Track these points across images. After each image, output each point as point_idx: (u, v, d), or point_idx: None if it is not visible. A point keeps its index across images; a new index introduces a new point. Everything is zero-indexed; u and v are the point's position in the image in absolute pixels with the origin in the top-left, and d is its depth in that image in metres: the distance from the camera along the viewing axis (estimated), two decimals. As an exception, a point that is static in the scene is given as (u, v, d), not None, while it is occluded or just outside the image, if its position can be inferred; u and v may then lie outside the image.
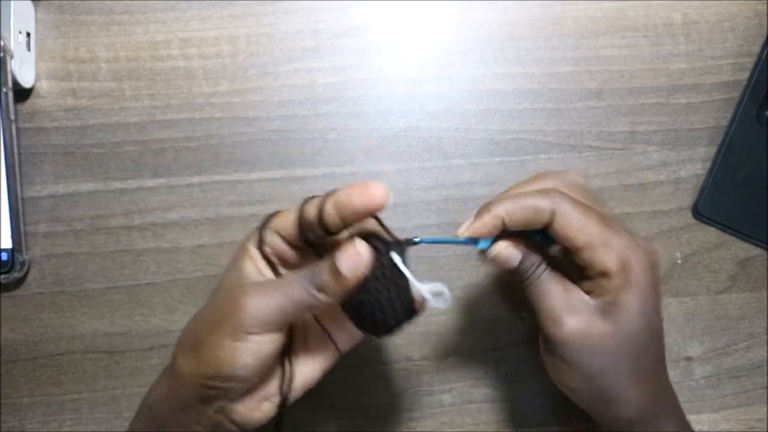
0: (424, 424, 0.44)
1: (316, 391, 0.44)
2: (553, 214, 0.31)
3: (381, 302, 0.31)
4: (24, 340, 0.44)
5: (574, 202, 0.32)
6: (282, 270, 0.34)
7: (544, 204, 0.31)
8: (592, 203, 0.33)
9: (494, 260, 0.33)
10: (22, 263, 0.44)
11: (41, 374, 0.44)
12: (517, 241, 0.33)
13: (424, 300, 0.31)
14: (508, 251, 0.33)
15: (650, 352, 0.32)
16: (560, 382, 0.34)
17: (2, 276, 0.43)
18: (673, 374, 0.45)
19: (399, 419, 0.44)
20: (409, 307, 0.31)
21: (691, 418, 0.44)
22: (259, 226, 0.33)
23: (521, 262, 0.33)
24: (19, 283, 0.45)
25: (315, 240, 0.32)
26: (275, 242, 0.33)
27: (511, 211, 0.31)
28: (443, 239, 0.37)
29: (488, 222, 0.32)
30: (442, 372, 0.44)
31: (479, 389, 0.44)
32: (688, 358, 0.45)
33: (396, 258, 0.31)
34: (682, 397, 0.44)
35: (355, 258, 0.30)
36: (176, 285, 0.45)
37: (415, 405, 0.44)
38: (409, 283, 0.31)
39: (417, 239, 0.32)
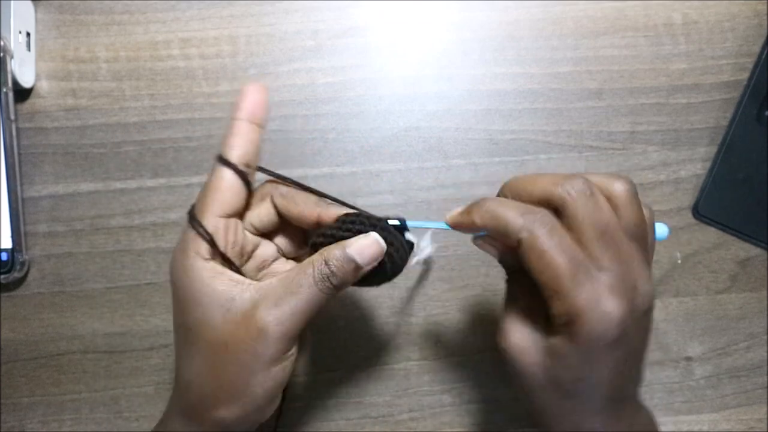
0: (424, 424, 0.44)
1: (316, 391, 0.44)
2: (519, 240, 0.29)
3: (393, 261, 0.32)
4: (24, 340, 0.44)
5: (551, 235, 0.28)
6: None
7: (513, 228, 0.29)
8: (605, 227, 0.29)
9: (478, 246, 0.34)
10: (22, 263, 0.44)
11: (41, 374, 0.44)
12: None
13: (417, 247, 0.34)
14: (484, 247, 0.33)
15: (596, 394, 0.30)
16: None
17: (2, 276, 0.43)
18: (673, 374, 0.45)
19: (399, 419, 0.44)
20: (407, 256, 0.34)
21: (691, 418, 0.44)
22: (206, 238, 0.31)
23: (499, 258, 0.33)
24: (19, 283, 0.45)
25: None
26: (236, 237, 0.33)
27: (485, 220, 0.30)
28: (426, 223, 0.36)
29: (465, 222, 0.31)
30: (442, 372, 0.44)
31: (479, 389, 0.44)
32: (688, 358, 0.45)
33: (410, 237, 0.34)
34: (681, 397, 0.44)
35: (373, 249, 0.31)
36: (176, 285, 0.45)
37: (415, 405, 0.44)
38: (413, 244, 0.34)
39: (400, 221, 0.33)
